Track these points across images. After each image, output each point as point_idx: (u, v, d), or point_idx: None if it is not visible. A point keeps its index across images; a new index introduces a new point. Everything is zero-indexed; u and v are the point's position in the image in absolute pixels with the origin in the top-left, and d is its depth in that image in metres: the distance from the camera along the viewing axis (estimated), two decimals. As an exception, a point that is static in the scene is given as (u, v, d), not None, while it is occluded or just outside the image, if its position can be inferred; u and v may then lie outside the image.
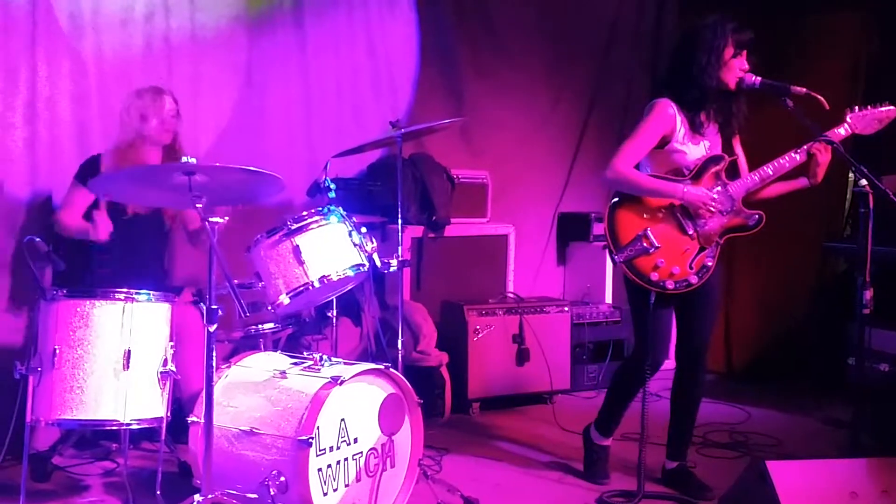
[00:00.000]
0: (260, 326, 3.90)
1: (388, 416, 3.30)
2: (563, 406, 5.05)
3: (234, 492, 2.98)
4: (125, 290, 3.27)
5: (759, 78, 3.46)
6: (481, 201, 5.47)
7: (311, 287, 3.31)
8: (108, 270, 3.73)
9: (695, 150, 3.57)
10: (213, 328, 2.80)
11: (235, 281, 2.85)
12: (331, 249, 3.38)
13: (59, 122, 4.19)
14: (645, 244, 3.46)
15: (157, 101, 3.87)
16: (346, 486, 3.17)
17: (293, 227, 3.34)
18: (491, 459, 4.18)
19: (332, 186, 3.61)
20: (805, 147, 3.50)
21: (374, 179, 5.03)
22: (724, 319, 5.86)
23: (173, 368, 3.30)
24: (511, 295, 5.32)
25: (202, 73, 4.62)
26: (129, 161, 3.80)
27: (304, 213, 3.41)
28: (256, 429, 3.11)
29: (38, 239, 3.31)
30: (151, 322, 3.30)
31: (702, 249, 3.52)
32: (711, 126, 3.59)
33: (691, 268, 3.50)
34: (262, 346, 3.90)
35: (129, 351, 3.21)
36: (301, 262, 3.31)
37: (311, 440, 3.00)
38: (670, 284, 3.49)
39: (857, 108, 3.52)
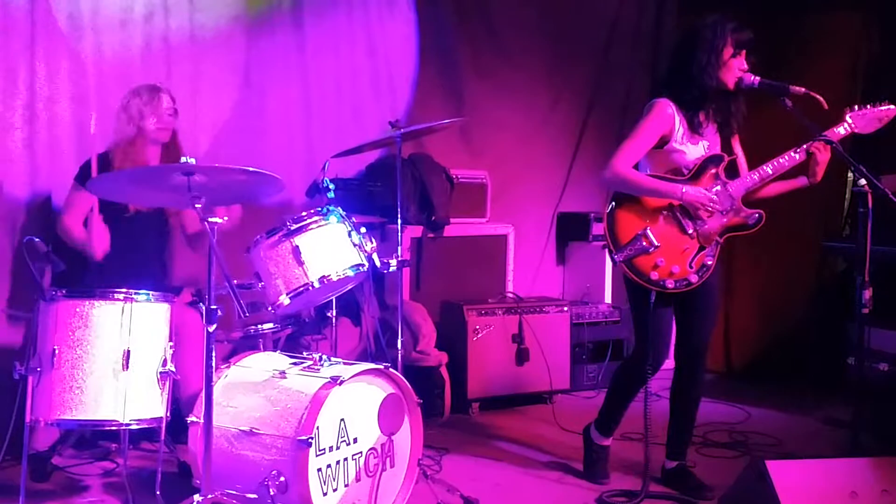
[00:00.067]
0: (259, 327, 3.89)
1: (388, 416, 3.30)
2: (562, 406, 5.05)
3: (234, 492, 2.97)
4: (124, 290, 3.26)
5: (758, 78, 3.47)
6: (480, 201, 5.47)
7: (310, 287, 3.31)
8: (109, 268, 3.72)
9: (694, 150, 3.57)
10: (212, 328, 2.80)
11: (235, 281, 2.85)
12: (330, 250, 3.38)
13: (58, 122, 4.19)
14: (644, 243, 3.46)
15: (154, 99, 3.87)
16: (346, 485, 3.17)
17: (293, 228, 3.34)
18: (490, 459, 4.18)
19: (332, 186, 3.61)
20: (804, 146, 3.50)
21: (373, 179, 5.03)
22: (724, 319, 5.87)
23: (173, 368, 3.30)
24: (510, 295, 5.32)
25: (201, 73, 4.62)
26: (129, 160, 3.81)
27: (304, 213, 3.40)
28: (256, 429, 3.11)
29: (37, 239, 3.30)
30: (151, 322, 3.29)
31: (701, 248, 3.52)
32: (710, 126, 3.59)
33: (691, 267, 3.50)
34: (261, 347, 3.89)
35: (129, 351, 3.21)
36: (301, 263, 3.31)
37: (310, 440, 3.00)
38: (670, 284, 3.49)
39: (856, 106, 3.52)
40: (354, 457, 3.20)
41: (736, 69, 3.46)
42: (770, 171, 3.52)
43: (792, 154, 3.51)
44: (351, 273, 3.40)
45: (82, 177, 3.80)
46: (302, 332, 4.25)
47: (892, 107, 3.51)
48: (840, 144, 3.46)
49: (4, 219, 4.05)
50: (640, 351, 3.64)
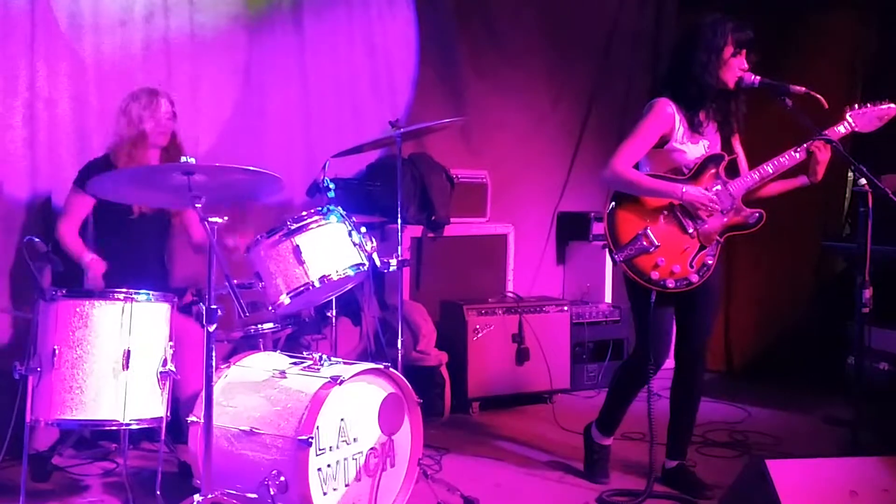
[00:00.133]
0: (259, 326, 3.89)
1: (388, 416, 3.30)
2: (562, 405, 5.05)
3: (234, 492, 2.97)
4: (124, 290, 3.27)
5: (758, 77, 3.46)
6: (481, 201, 5.47)
7: (311, 287, 3.31)
8: (109, 268, 3.72)
9: (694, 150, 3.57)
10: (212, 328, 2.80)
11: (235, 281, 2.85)
12: (331, 249, 3.38)
13: (58, 122, 4.19)
14: (645, 243, 3.46)
15: (152, 103, 3.86)
16: (346, 485, 3.17)
17: (293, 227, 3.34)
18: (491, 459, 4.17)
19: (332, 186, 3.61)
20: (805, 145, 3.50)
21: (373, 179, 5.03)
22: (724, 319, 5.87)
23: (173, 368, 3.30)
24: (510, 294, 5.32)
25: (201, 73, 4.62)
26: (132, 162, 3.80)
27: (304, 212, 3.40)
28: (256, 428, 3.11)
29: (37, 239, 3.31)
30: (151, 322, 3.29)
31: (702, 248, 3.52)
32: (710, 125, 3.59)
33: (691, 266, 3.50)
34: (261, 346, 3.89)
35: (129, 351, 3.21)
36: (301, 262, 3.30)
37: (310, 440, 3.00)
38: (671, 283, 3.49)
39: (857, 105, 3.51)
40: (354, 456, 3.20)
41: (736, 68, 3.46)
42: (770, 171, 3.51)
43: (792, 153, 3.51)
44: (351, 272, 3.40)
45: (81, 180, 3.80)
46: (302, 331, 4.25)
47: (892, 106, 3.50)
48: (840, 144, 3.46)
49: (4, 219, 4.05)
50: (641, 351, 3.63)
